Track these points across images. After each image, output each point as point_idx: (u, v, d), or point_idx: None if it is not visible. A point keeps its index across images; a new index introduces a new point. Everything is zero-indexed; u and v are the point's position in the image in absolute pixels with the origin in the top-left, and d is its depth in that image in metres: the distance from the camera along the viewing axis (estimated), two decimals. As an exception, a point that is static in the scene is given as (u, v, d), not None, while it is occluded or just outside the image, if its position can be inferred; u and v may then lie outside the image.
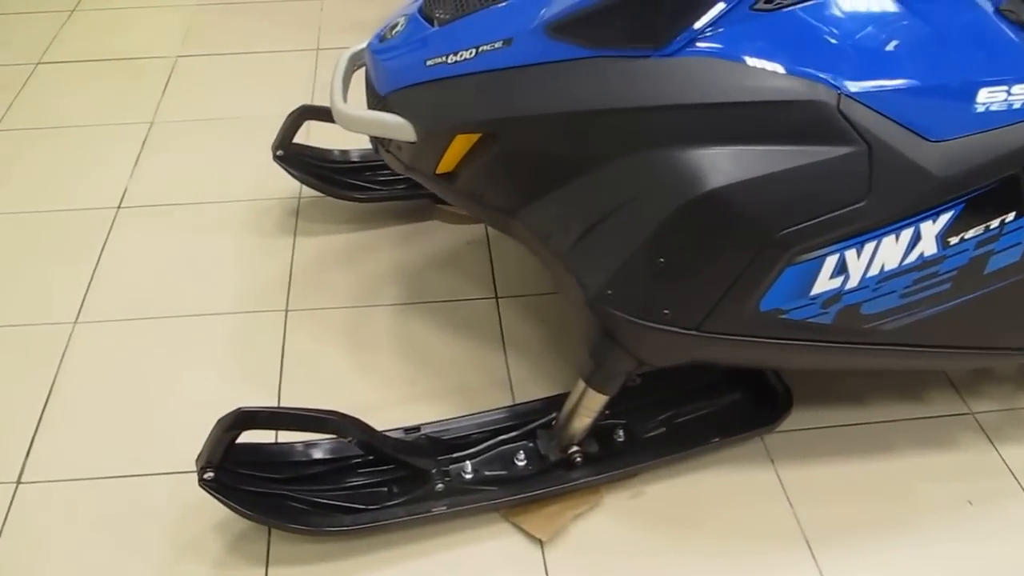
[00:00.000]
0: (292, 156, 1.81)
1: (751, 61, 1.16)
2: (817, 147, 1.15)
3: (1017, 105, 1.18)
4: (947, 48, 1.20)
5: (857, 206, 1.16)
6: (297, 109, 1.79)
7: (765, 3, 1.19)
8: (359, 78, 1.49)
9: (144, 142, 2.13)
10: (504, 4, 1.30)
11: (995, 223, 1.22)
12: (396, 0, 1.41)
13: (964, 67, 1.19)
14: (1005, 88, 1.17)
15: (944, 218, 1.20)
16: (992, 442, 1.47)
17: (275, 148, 1.79)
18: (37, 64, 2.45)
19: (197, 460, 1.24)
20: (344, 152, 1.88)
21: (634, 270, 1.21)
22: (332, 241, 1.84)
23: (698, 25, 1.18)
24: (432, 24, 1.36)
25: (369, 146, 1.68)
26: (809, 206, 1.17)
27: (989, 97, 1.17)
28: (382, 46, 1.41)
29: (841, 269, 1.20)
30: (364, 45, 1.52)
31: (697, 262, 1.20)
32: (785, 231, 1.16)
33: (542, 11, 1.25)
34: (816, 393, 1.51)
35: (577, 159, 1.23)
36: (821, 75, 1.15)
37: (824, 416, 1.49)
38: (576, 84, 1.22)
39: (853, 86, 1.14)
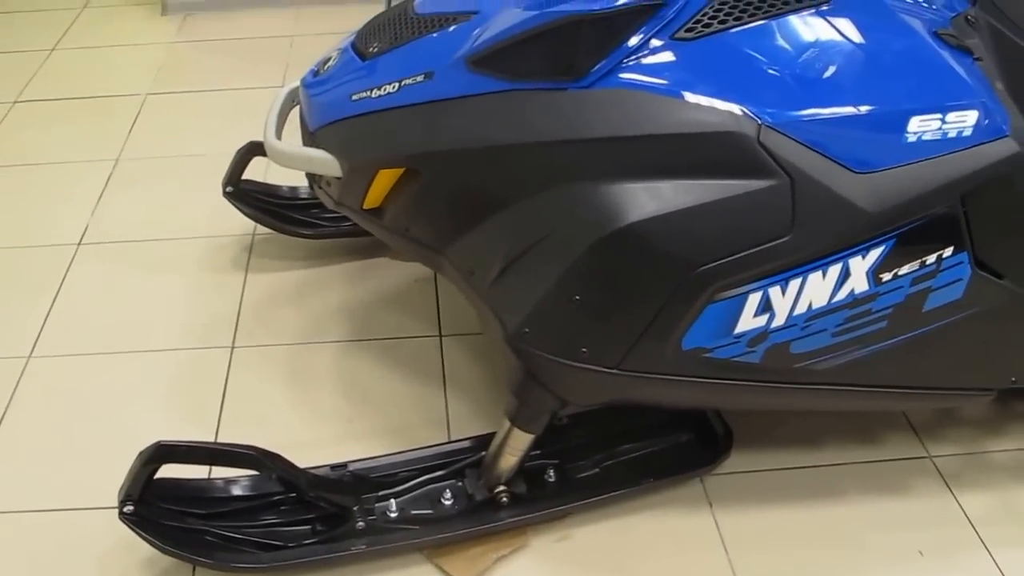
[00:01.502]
0: (242, 192, 1.80)
1: (669, 92, 1.13)
2: (737, 180, 1.11)
3: (952, 134, 1.13)
4: (877, 75, 1.15)
5: (780, 241, 1.12)
6: (245, 145, 1.78)
7: (686, 32, 1.16)
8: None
9: (108, 179, 2.14)
10: (429, 36, 1.28)
11: (931, 259, 1.17)
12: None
13: (895, 95, 1.14)
14: (939, 116, 1.12)
15: (875, 253, 1.15)
16: (950, 488, 1.40)
17: (224, 184, 1.78)
18: (14, 103, 2.49)
19: (119, 494, 1.23)
20: (293, 188, 1.88)
21: (550, 307, 1.17)
22: (284, 278, 1.83)
23: (617, 56, 1.15)
24: (363, 58, 1.35)
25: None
26: (730, 241, 1.12)
27: (921, 126, 1.12)
28: (314, 81, 1.40)
29: (766, 307, 1.16)
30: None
31: (614, 299, 1.16)
32: (705, 267, 1.12)
33: (464, 44, 1.23)
34: (765, 433, 1.46)
35: (497, 194, 1.20)
36: (741, 105, 1.11)
37: (772, 458, 1.44)
38: (495, 117, 1.19)
39: (774, 116, 1.10)
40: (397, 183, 1.29)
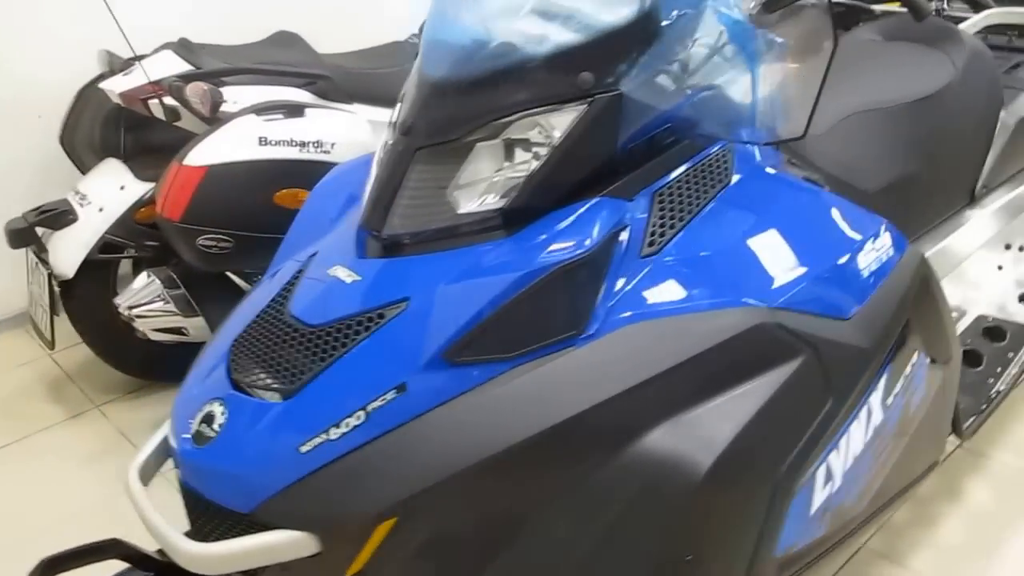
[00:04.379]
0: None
1: (677, 310, 1.05)
2: (777, 368, 1.06)
3: (884, 257, 1.19)
4: (813, 231, 1.17)
5: (828, 408, 1.10)
6: (40, 564, 1.28)
7: (649, 246, 1.09)
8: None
9: None
10: (364, 345, 1.04)
11: (908, 368, 1.24)
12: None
13: (836, 242, 1.17)
14: (871, 245, 1.18)
15: (882, 383, 1.18)
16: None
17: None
18: None
19: None
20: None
21: None
22: None
23: (608, 293, 1.05)
24: (265, 397, 1.06)
25: None
26: (795, 428, 1.08)
27: (865, 259, 1.17)
28: (208, 448, 1.06)
29: (828, 476, 1.14)
30: (148, 453, 1.15)
31: (723, 539, 1.06)
32: (785, 462, 1.06)
33: (422, 339, 1.03)
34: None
35: (539, 493, 1.01)
36: (744, 297, 1.07)
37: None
38: (506, 408, 1.00)
39: (773, 297, 1.07)
40: (391, 532, 1.02)
